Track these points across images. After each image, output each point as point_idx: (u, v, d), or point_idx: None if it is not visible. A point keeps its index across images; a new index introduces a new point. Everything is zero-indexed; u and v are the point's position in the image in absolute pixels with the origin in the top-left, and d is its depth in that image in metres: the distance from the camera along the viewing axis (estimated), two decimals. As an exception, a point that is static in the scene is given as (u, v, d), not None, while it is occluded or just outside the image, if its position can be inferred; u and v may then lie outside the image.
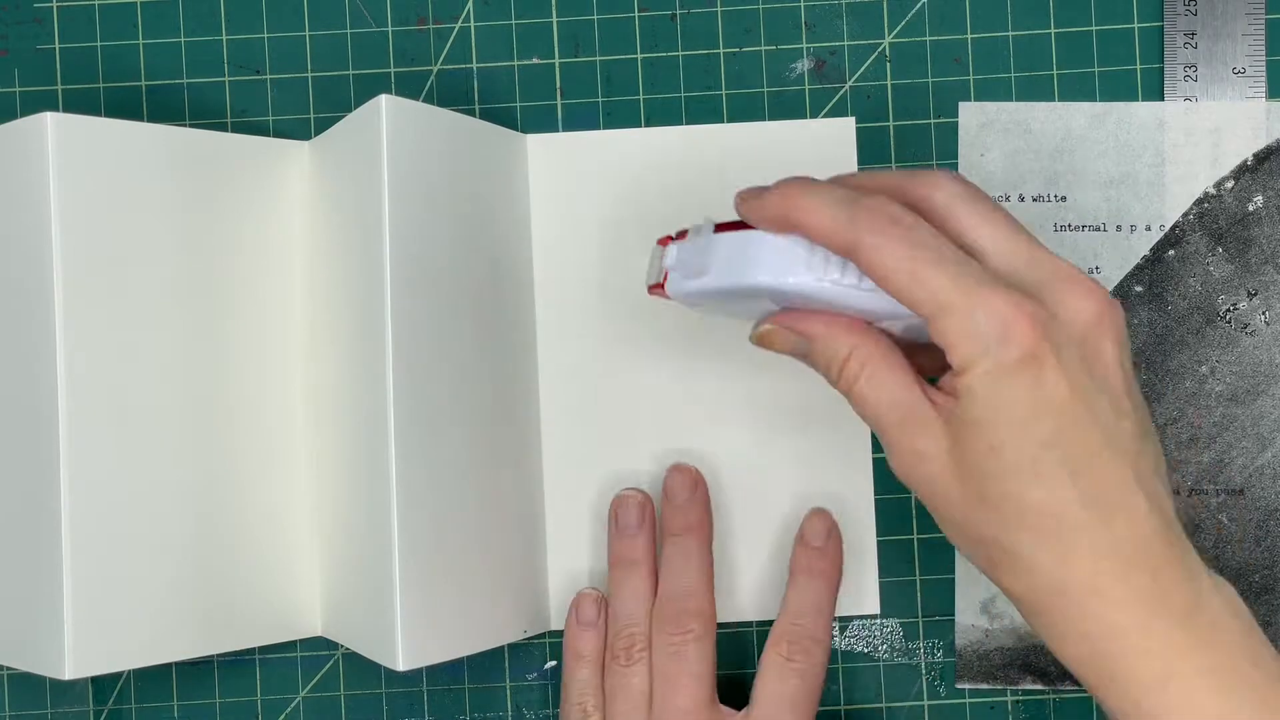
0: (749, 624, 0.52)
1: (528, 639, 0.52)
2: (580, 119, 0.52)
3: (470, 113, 0.52)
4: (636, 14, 0.52)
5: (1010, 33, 0.52)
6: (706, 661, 0.49)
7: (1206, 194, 0.51)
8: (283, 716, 0.52)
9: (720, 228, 0.42)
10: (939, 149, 0.52)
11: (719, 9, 0.52)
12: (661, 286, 0.43)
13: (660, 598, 0.49)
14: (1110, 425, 0.39)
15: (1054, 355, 0.38)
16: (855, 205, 0.39)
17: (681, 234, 0.43)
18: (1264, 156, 0.51)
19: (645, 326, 0.52)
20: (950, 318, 0.38)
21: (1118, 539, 0.38)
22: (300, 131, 0.52)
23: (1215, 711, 0.38)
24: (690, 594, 0.49)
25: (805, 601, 0.50)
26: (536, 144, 0.52)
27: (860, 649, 0.52)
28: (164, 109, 0.52)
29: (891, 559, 0.52)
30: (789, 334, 0.43)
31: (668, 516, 0.50)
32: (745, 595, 0.52)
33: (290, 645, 0.52)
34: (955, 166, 0.52)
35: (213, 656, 0.52)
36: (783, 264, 0.40)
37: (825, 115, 0.52)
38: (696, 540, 0.50)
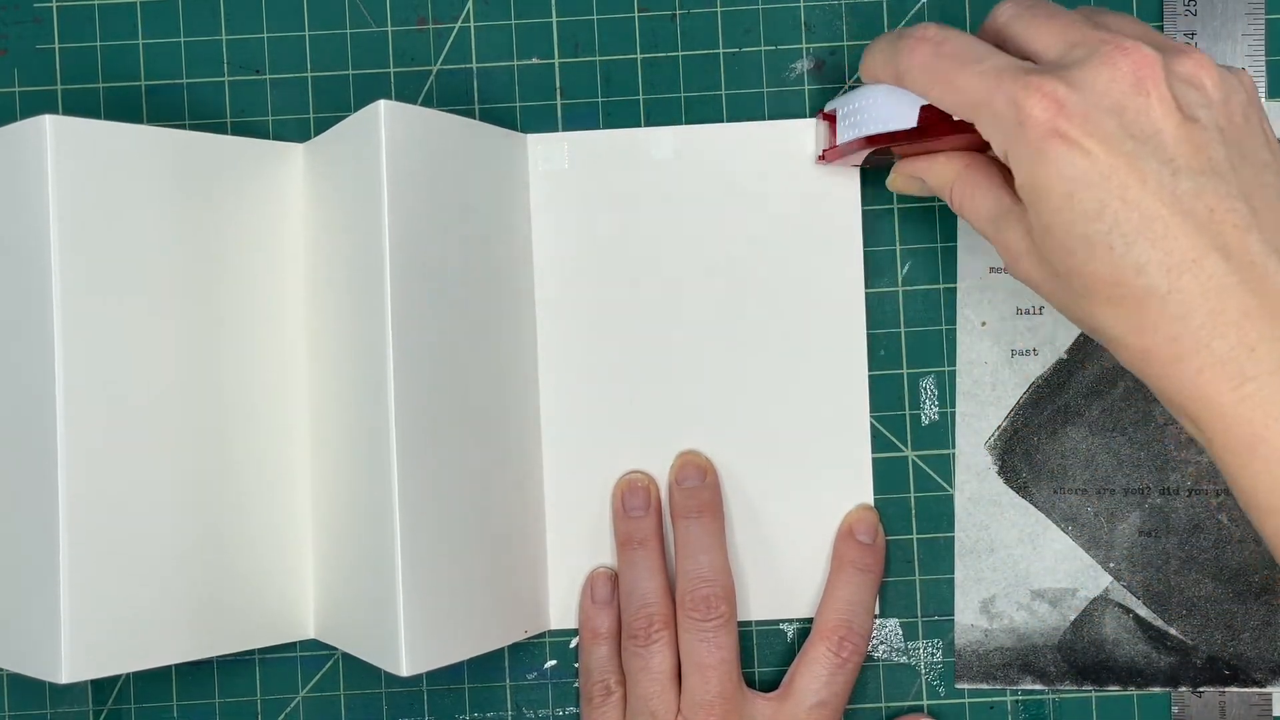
0: (748, 623, 0.52)
1: (528, 639, 0.52)
2: (580, 119, 0.52)
3: (470, 113, 0.52)
4: (636, 14, 0.52)
5: (1010, 33, 0.52)
6: (735, 645, 0.49)
7: (1206, 194, 0.51)
8: (282, 717, 0.52)
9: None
10: (939, 149, 0.52)
11: (719, 9, 0.52)
12: (826, 153, 0.50)
13: (684, 579, 0.50)
14: (1166, 187, 0.38)
15: (1081, 128, 0.38)
16: (897, 39, 0.43)
17: (832, 113, 0.49)
18: (1264, 157, 0.51)
19: (645, 327, 0.52)
20: (980, 113, 0.40)
21: (1188, 303, 0.38)
22: (300, 131, 0.52)
23: None
24: (714, 576, 0.49)
25: (854, 597, 0.50)
26: (536, 144, 0.52)
27: (860, 649, 0.53)
28: (164, 109, 0.52)
29: (891, 559, 0.52)
30: (907, 179, 0.47)
31: (679, 500, 0.51)
32: (746, 596, 0.52)
33: (290, 645, 0.52)
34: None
35: (211, 657, 0.52)
36: (881, 115, 0.45)
37: (825, 115, 0.52)
38: (712, 521, 0.50)
